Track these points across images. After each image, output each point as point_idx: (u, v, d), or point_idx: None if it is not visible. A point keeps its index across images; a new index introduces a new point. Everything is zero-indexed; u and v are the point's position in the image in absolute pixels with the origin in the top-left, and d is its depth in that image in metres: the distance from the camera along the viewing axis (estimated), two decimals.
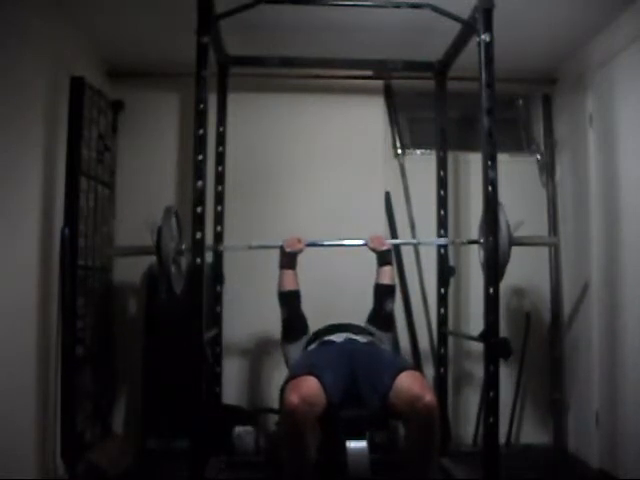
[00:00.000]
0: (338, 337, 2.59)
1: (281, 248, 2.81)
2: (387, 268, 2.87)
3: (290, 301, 2.76)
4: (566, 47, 3.32)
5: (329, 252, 3.50)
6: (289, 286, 2.77)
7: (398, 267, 3.65)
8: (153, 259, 3.41)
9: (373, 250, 2.89)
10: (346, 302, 3.37)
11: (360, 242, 2.90)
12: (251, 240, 3.54)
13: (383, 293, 2.85)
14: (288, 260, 2.80)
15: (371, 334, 2.74)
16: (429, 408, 2.11)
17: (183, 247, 2.63)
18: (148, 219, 2.51)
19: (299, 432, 2.12)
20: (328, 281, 3.49)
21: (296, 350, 2.69)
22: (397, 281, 3.63)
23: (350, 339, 2.57)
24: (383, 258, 2.89)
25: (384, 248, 2.88)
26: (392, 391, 2.20)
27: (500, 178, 2.45)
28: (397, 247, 3.66)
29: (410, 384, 2.19)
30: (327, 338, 2.61)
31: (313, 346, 2.64)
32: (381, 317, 2.84)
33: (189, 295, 2.48)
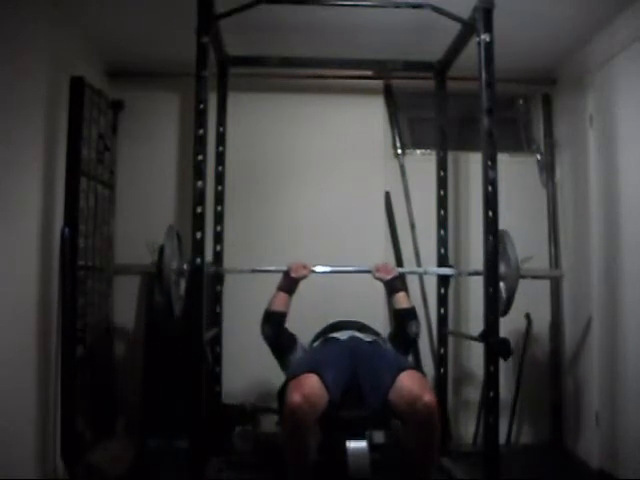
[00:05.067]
0: (342, 335, 2.60)
1: (285, 272, 2.73)
2: (400, 295, 2.73)
3: (278, 321, 2.64)
4: (566, 47, 3.32)
5: (330, 246, 3.57)
6: (280, 307, 2.66)
7: (398, 267, 3.64)
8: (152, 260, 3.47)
9: (379, 280, 2.77)
10: (348, 294, 3.39)
11: (365, 269, 2.80)
12: (249, 240, 3.59)
13: (405, 317, 2.69)
14: (289, 284, 2.71)
15: (376, 333, 2.74)
16: (428, 408, 2.11)
17: (185, 267, 2.58)
18: (149, 238, 2.48)
19: (300, 431, 2.12)
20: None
21: (295, 356, 2.65)
22: None
23: (354, 337, 2.58)
24: (391, 287, 2.76)
25: (390, 277, 2.75)
26: (392, 390, 2.21)
27: (500, 178, 2.46)
28: (397, 246, 3.67)
29: (410, 384, 2.20)
30: (331, 335, 2.62)
31: (317, 343, 2.65)
32: (404, 341, 2.71)
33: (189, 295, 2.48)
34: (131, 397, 3.50)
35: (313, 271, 2.78)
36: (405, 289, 2.81)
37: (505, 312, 2.56)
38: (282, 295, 2.69)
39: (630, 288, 2.87)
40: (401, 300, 2.72)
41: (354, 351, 2.45)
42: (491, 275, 2.43)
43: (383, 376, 2.26)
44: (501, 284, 2.55)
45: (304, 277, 2.73)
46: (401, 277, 2.91)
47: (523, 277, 2.51)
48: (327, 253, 3.58)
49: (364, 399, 2.30)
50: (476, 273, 2.57)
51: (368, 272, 2.81)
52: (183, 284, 2.63)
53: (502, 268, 2.55)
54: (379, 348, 2.57)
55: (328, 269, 2.83)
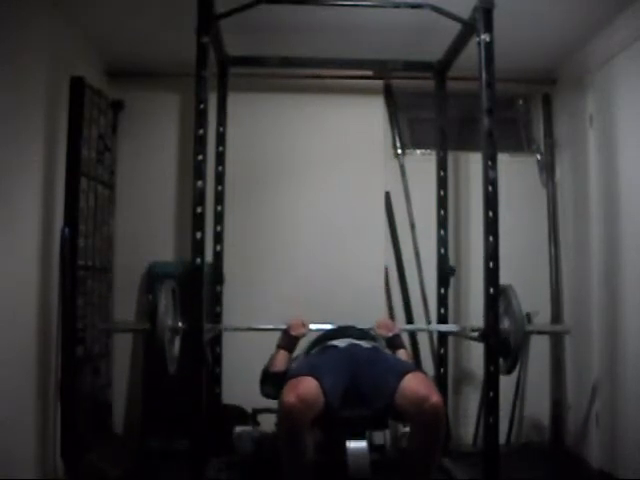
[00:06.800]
0: (341, 342, 2.58)
1: (284, 330, 2.71)
2: (399, 352, 2.68)
3: (278, 382, 2.50)
4: (566, 47, 3.32)
5: (330, 245, 3.59)
6: (280, 367, 2.60)
7: (398, 267, 3.66)
8: (152, 260, 3.47)
9: (380, 337, 2.74)
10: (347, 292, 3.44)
11: (367, 327, 2.75)
12: (249, 240, 3.58)
13: None
14: (288, 342, 2.69)
15: (374, 339, 2.73)
16: (436, 408, 2.11)
17: (180, 325, 2.52)
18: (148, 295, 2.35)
19: (296, 432, 2.11)
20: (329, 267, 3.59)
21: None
22: (397, 279, 3.65)
23: (353, 344, 2.56)
24: (392, 344, 2.71)
25: (390, 335, 2.71)
26: (398, 392, 2.20)
27: (500, 178, 2.45)
28: (397, 246, 3.67)
29: (416, 385, 2.19)
30: (330, 343, 2.60)
31: (315, 350, 2.63)
32: None
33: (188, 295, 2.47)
34: (131, 397, 3.51)
35: (312, 330, 2.75)
36: (404, 347, 2.78)
37: (510, 370, 2.51)
38: (282, 354, 2.66)
39: (630, 288, 2.86)
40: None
41: (354, 358, 2.44)
42: (491, 275, 2.43)
43: (387, 379, 2.25)
44: None
45: (303, 335, 2.71)
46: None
47: (530, 333, 2.44)
48: (327, 253, 3.60)
49: (366, 403, 2.29)
50: (478, 329, 2.51)
51: (370, 330, 2.75)
52: (178, 343, 2.53)
53: (506, 324, 2.51)
54: (379, 353, 2.56)
55: (328, 327, 2.77)
